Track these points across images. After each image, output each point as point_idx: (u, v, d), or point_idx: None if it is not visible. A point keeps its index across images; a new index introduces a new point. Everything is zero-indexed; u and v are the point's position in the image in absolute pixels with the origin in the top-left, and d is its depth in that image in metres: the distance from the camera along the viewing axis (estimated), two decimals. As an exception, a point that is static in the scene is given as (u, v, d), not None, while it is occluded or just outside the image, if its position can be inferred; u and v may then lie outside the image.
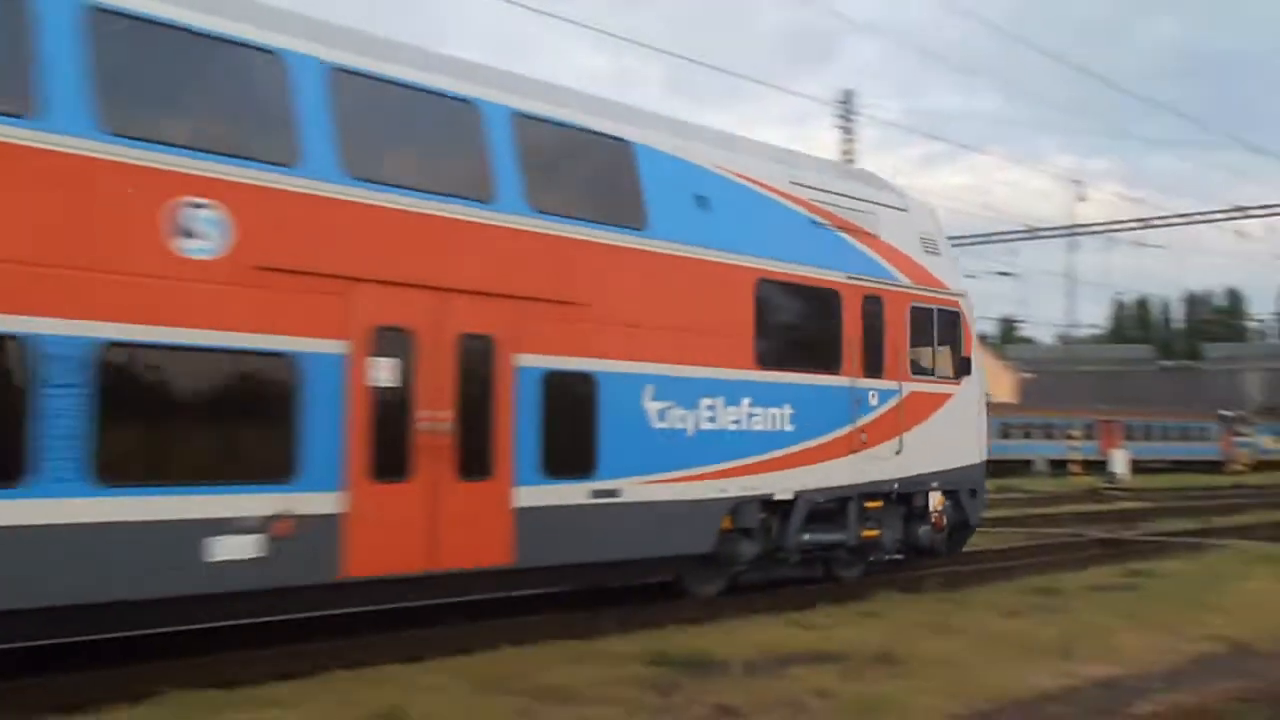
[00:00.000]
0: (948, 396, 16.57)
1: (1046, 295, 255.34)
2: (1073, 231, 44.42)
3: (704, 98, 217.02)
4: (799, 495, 14.30)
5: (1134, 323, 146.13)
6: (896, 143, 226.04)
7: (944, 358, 16.69)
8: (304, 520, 10.04)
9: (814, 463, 14.53)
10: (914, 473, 15.85)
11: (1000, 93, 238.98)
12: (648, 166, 13.24)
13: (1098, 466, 58.91)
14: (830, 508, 14.79)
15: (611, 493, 12.44)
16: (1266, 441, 78.37)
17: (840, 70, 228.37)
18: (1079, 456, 58.11)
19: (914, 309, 16.12)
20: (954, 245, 26.38)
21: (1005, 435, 63.76)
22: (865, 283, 15.37)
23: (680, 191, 13.56)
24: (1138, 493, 44.51)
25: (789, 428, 14.28)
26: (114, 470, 9.05)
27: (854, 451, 14.99)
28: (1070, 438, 59.86)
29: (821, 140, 71.85)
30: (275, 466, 10.04)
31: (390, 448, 10.71)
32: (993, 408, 70.71)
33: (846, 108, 37.03)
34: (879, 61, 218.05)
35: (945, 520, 16.44)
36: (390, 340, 10.79)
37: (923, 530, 16.12)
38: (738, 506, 13.66)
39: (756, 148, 15.36)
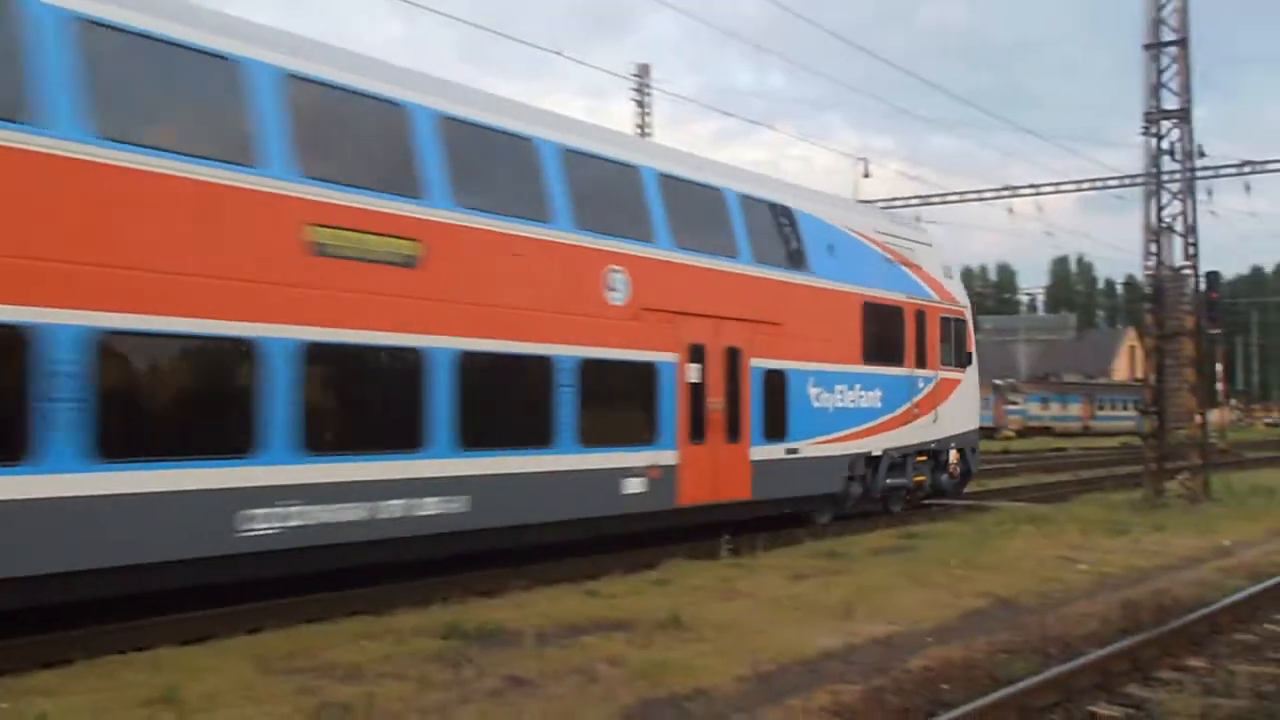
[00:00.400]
0: (959, 381, 22.93)
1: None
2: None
3: (506, 68, 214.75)
4: (885, 452, 20.30)
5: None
6: (692, 118, 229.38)
7: (957, 353, 22.87)
8: (662, 469, 15.53)
9: (891, 429, 20.53)
10: (943, 435, 22.21)
11: (791, 70, 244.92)
12: (805, 226, 18.85)
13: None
14: (899, 461, 20.81)
15: (795, 451, 18.12)
16: (1034, 409, 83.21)
17: (638, 44, 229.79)
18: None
19: (941, 318, 22.35)
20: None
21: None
22: (916, 301, 21.58)
23: (821, 242, 19.13)
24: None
25: (879, 405, 20.14)
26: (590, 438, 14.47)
27: (911, 421, 21.13)
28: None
29: (617, 113, 72.21)
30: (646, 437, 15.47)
31: (698, 422, 16.22)
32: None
33: (642, 82, 37.20)
34: (676, 36, 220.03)
35: (958, 470, 22.95)
36: (695, 351, 16.24)
37: (944, 477, 22.46)
38: (853, 460, 19.51)
39: (854, 206, 23.65)
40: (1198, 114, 24.20)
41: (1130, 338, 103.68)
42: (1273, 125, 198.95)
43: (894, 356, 20.68)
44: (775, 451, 17.67)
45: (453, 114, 13.35)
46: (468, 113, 13.63)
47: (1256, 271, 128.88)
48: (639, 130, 36.61)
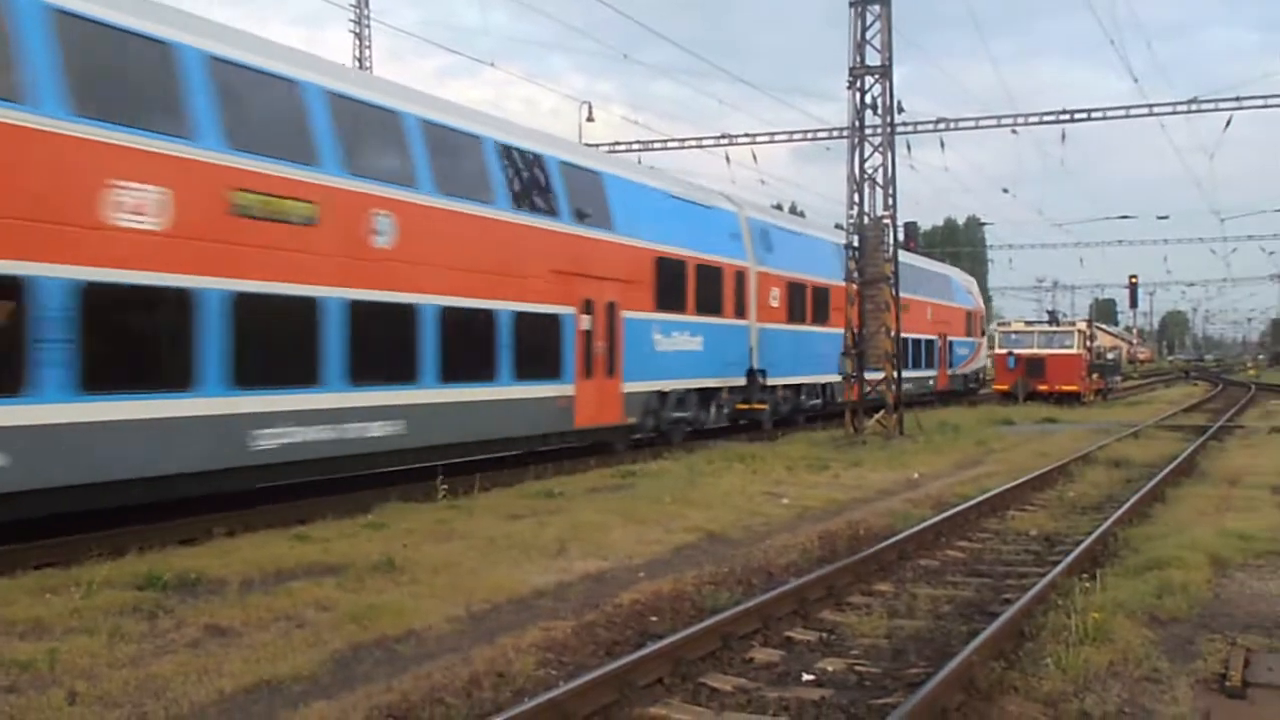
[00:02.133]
0: (982, 342, 48.79)
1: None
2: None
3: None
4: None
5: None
6: (413, 53, 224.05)
7: (979, 326, 47.54)
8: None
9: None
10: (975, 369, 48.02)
11: (516, 9, 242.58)
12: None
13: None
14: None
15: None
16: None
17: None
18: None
19: (971, 312, 47.37)
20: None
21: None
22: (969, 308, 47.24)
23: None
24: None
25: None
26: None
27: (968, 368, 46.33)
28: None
29: (334, 44, 69.49)
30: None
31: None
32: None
33: (360, 13, 35.95)
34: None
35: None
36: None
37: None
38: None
39: (943, 268, 48.82)
40: (899, 71, 25.61)
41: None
42: (967, 85, 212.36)
43: (965, 331, 36.94)
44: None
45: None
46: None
47: (950, 223, 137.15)
48: (357, 63, 35.42)
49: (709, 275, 24.31)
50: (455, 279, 16.51)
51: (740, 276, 25.76)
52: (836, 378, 27.89)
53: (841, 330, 26.44)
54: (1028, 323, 45.66)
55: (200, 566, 10.12)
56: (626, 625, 8.72)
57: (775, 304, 27.47)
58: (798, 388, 28.99)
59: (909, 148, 43.35)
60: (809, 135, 39.35)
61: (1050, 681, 6.99)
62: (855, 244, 25.42)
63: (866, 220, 25.26)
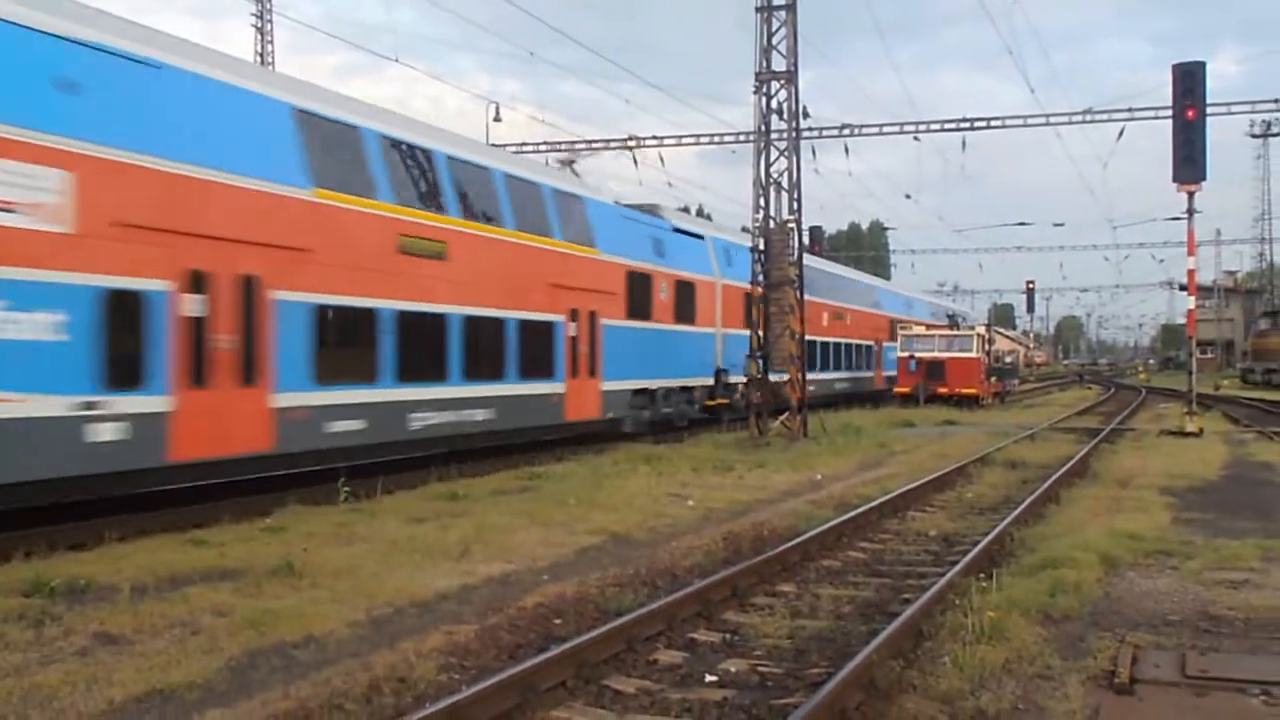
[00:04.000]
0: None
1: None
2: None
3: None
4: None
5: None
6: (315, 48, 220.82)
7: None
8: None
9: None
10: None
11: (421, 6, 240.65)
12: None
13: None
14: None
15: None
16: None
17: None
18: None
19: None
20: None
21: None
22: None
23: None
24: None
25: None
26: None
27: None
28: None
29: (234, 39, 68.20)
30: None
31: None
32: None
33: (262, 6, 35.30)
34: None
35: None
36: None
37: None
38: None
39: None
40: (804, 77, 25.98)
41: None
42: (871, 92, 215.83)
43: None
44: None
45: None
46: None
47: (854, 228, 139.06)
48: (258, 59, 34.79)
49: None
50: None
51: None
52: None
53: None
54: (929, 326, 46.61)
55: (90, 572, 9.84)
56: (530, 628, 8.67)
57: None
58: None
59: (814, 152, 43.80)
60: (716, 139, 39.61)
61: (947, 680, 7.10)
62: (760, 247, 25.63)
63: (772, 224, 25.48)
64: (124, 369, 12.35)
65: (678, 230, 28.47)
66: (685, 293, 27.94)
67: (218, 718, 6.32)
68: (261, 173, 14.51)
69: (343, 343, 16.22)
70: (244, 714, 6.38)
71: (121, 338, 12.35)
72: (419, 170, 18.33)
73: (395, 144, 17.61)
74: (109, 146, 12.29)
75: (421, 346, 17.69)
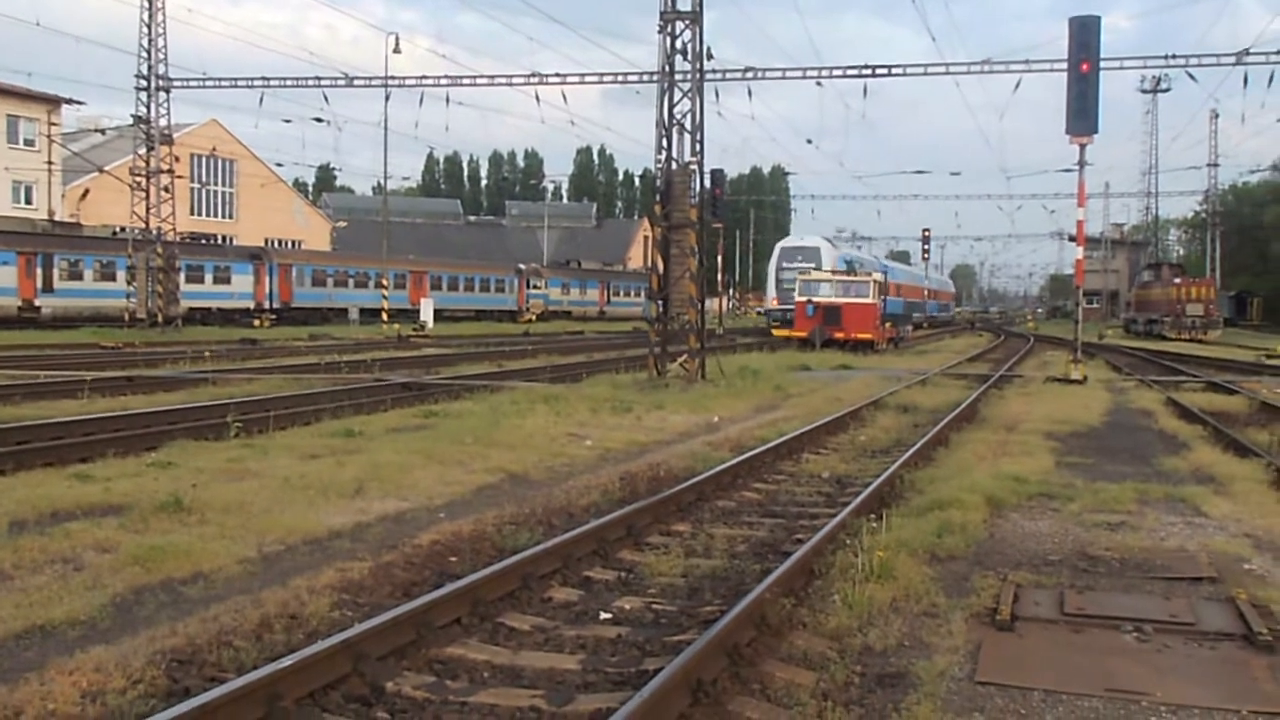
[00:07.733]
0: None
1: (363, 145, 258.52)
2: (386, 83, 44.77)
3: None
4: None
5: (445, 177, 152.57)
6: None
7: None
8: None
9: None
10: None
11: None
12: None
13: (410, 315, 61.43)
14: None
15: None
16: (555, 293, 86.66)
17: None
18: (388, 305, 60.04)
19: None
20: (268, 89, 30.37)
21: (319, 284, 64.12)
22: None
23: None
24: (442, 340, 47.18)
25: None
26: None
27: None
28: (382, 287, 61.57)
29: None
30: None
31: None
32: (308, 255, 70.57)
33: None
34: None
35: None
36: None
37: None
38: None
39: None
40: (709, 17, 25.83)
41: (645, 228, 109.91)
42: (774, 35, 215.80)
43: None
44: None
45: None
46: None
47: (755, 172, 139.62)
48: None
49: None
50: None
51: None
52: None
53: None
54: (833, 271, 47.03)
55: (-34, 507, 9.53)
56: (425, 566, 8.63)
57: None
58: None
59: (717, 95, 44.01)
60: (620, 78, 39.32)
61: (837, 617, 7.26)
62: (662, 188, 25.59)
63: (674, 165, 25.43)
64: None
65: None
66: None
67: (100, 654, 6.17)
68: None
69: None
70: (129, 650, 6.24)
71: None
72: None
73: None
74: None
75: None
